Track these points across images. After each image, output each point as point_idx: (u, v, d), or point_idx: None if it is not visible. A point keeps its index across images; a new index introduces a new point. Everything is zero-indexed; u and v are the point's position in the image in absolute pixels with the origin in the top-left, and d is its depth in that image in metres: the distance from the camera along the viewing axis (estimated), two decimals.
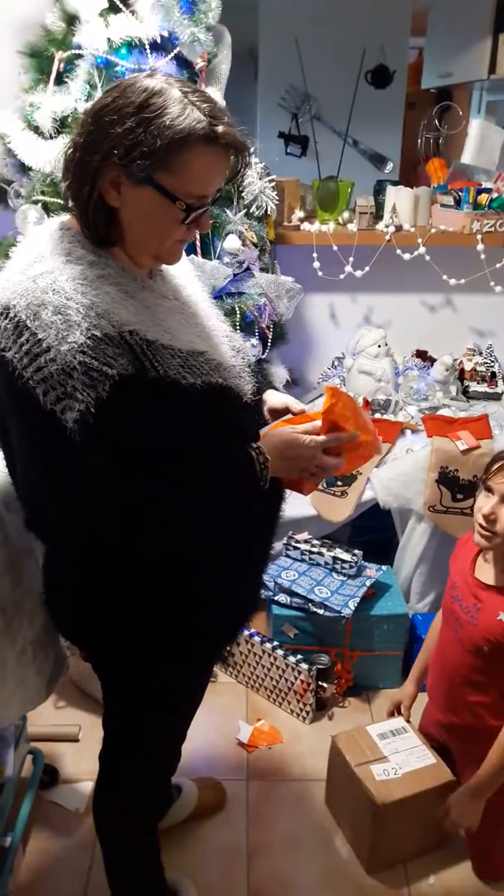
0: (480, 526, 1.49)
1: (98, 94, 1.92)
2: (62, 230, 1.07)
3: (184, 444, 1.04)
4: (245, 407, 1.17)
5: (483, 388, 2.67)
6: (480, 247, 2.56)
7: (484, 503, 1.49)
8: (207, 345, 1.13)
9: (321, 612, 2.12)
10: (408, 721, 1.82)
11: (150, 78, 1.01)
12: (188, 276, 1.25)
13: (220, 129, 1.00)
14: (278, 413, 1.31)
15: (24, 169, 2.02)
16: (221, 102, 2.13)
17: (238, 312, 2.15)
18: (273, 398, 1.32)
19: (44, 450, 1.01)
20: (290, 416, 1.27)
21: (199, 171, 1.01)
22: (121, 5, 1.94)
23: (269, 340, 2.29)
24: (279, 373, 2.41)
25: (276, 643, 2.17)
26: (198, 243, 2.11)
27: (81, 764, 1.95)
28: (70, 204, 1.07)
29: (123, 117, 0.97)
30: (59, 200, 1.96)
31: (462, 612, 1.56)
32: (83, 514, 1.04)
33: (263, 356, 2.29)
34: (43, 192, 1.98)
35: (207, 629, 1.22)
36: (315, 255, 2.57)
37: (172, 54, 1.99)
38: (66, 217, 1.11)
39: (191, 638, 1.20)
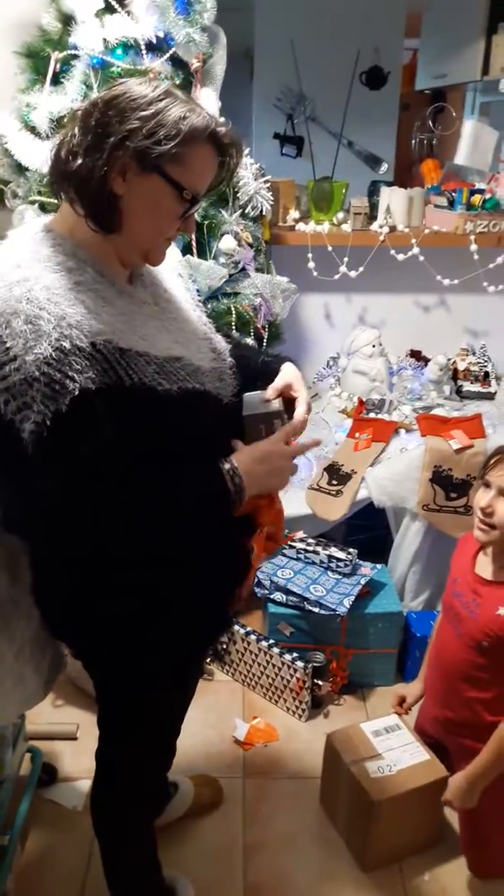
0: (479, 519, 1.52)
1: (94, 94, 1.93)
2: (44, 232, 1.07)
3: (161, 452, 1.05)
4: (225, 409, 1.17)
5: (476, 387, 2.69)
6: (474, 247, 2.57)
7: (482, 497, 1.52)
8: (186, 350, 1.14)
9: (316, 610, 2.13)
10: (405, 714, 1.83)
11: (154, 80, 1.06)
12: (170, 279, 1.26)
13: (222, 129, 1.06)
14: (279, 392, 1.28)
15: (20, 169, 2.03)
16: (217, 103, 2.14)
17: (233, 312, 2.16)
18: (283, 375, 1.28)
19: (2, 458, 1.01)
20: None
21: (202, 166, 1.07)
22: (116, 6, 1.95)
23: (265, 340, 2.30)
24: None
25: (271, 641, 2.18)
26: (193, 244, 2.12)
27: (79, 762, 1.96)
28: (70, 192, 1.05)
29: (141, 105, 1.01)
30: (55, 201, 1.97)
31: (462, 607, 1.58)
32: (41, 522, 1.04)
33: None
34: (39, 193, 1.99)
35: (189, 626, 1.22)
36: (310, 255, 2.58)
37: (168, 55, 2.00)
38: (46, 219, 1.11)
39: (172, 636, 1.20)
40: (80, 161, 1.02)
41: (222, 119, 1.11)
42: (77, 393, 0.95)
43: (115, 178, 1.02)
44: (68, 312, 0.97)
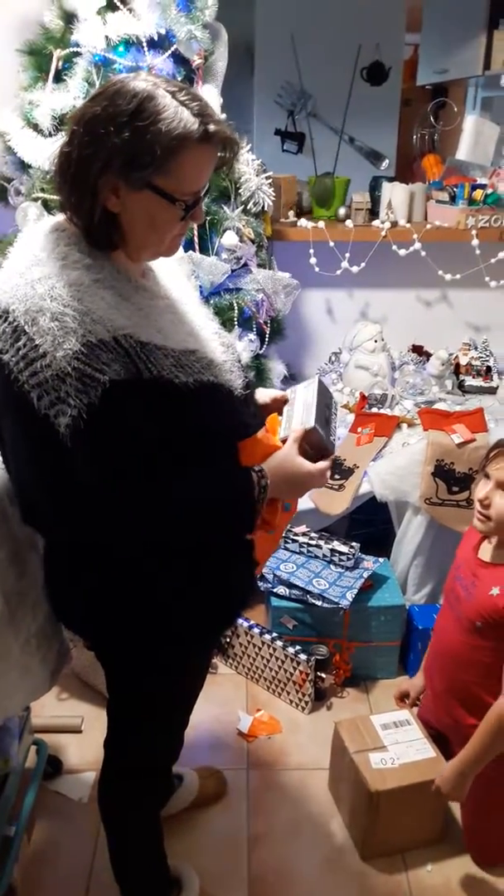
0: (477, 510, 1.57)
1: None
2: (57, 231, 1.08)
3: (180, 444, 1.07)
4: (236, 401, 1.19)
5: (478, 382, 2.69)
6: (475, 242, 2.58)
7: (481, 488, 1.57)
8: (199, 343, 1.16)
9: (319, 603, 2.15)
10: (411, 707, 1.84)
11: (137, 80, 1.01)
12: (178, 274, 1.28)
13: (212, 127, 1.03)
14: (267, 408, 1.35)
15: (23, 166, 2.04)
16: (218, 100, 2.15)
17: (236, 308, 2.17)
18: (260, 396, 1.36)
19: (38, 453, 1.03)
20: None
21: (194, 170, 1.05)
22: (118, 3, 1.96)
23: (267, 336, 2.31)
24: (277, 368, 2.43)
25: (274, 634, 2.19)
26: (195, 239, 2.13)
27: (85, 754, 1.98)
28: (69, 214, 1.08)
29: (118, 127, 0.99)
30: (58, 198, 1.98)
31: (461, 589, 1.61)
32: (74, 515, 1.07)
33: (261, 352, 2.31)
34: (43, 190, 2.00)
35: (203, 614, 1.23)
36: (312, 251, 2.59)
37: (169, 52, 2.01)
38: (59, 218, 1.12)
39: (187, 624, 1.22)
40: (67, 190, 1.05)
41: (218, 114, 1.08)
42: (108, 385, 0.97)
43: (109, 198, 1.03)
44: (91, 308, 0.99)
